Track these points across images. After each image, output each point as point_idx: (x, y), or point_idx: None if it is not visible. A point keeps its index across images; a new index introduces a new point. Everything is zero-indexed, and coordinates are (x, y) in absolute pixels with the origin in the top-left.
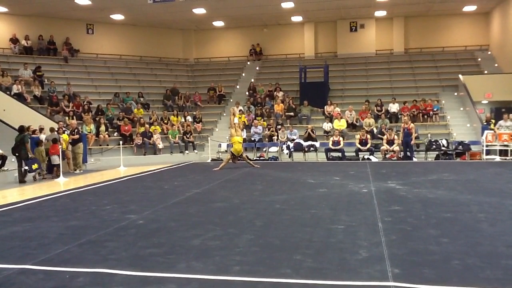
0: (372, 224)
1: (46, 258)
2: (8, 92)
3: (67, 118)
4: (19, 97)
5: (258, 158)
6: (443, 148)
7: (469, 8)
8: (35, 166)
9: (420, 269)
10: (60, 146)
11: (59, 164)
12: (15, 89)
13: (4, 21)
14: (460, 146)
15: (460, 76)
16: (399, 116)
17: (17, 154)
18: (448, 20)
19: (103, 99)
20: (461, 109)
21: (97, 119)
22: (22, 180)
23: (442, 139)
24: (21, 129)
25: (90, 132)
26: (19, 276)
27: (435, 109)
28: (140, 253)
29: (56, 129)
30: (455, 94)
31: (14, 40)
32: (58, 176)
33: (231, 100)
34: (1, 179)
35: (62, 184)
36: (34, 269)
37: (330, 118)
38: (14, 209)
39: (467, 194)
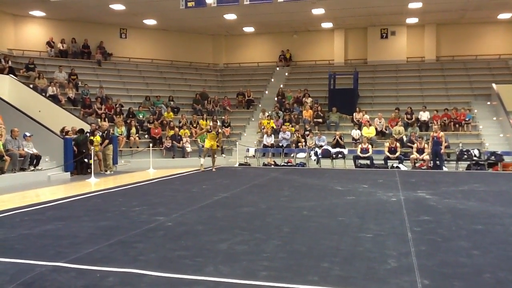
0: (401, 233)
1: (77, 257)
2: (43, 94)
3: (99, 120)
4: (54, 98)
5: (286, 164)
6: (474, 158)
7: (504, 16)
8: (91, 161)
9: (450, 281)
10: (92, 147)
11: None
12: (50, 91)
13: (42, 25)
14: (493, 157)
15: (493, 85)
16: (430, 125)
17: (84, 151)
18: (481, 27)
19: (134, 102)
20: (494, 118)
21: (128, 121)
22: (81, 172)
23: (474, 149)
24: (83, 131)
25: (121, 134)
26: (52, 274)
27: (467, 118)
28: (168, 255)
29: (90, 130)
30: (488, 103)
31: (51, 44)
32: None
33: (260, 105)
34: (35, 179)
35: (93, 184)
36: (66, 267)
37: (359, 125)
38: (47, 208)
39: (499, 206)
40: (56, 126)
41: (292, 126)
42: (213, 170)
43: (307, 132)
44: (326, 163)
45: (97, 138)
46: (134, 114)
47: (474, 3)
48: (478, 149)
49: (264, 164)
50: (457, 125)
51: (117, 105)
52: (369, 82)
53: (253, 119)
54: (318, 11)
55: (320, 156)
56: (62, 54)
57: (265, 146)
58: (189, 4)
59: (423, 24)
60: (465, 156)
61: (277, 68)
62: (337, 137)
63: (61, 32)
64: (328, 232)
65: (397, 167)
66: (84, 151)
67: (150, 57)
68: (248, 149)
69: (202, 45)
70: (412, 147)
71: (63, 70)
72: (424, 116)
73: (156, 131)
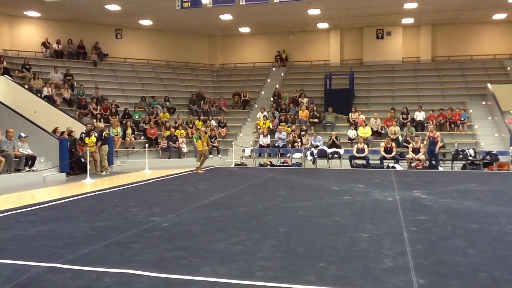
0: (397, 233)
1: (73, 258)
2: (39, 94)
3: (94, 120)
4: (49, 99)
5: (282, 164)
6: (470, 157)
7: (499, 16)
8: (83, 160)
9: (446, 280)
10: (87, 148)
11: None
12: (46, 91)
13: (37, 26)
14: (488, 156)
15: (489, 85)
16: (425, 125)
17: (73, 150)
18: (477, 28)
19: (130, 102)
20: (489, 118)
21: (124, 122)
22: (71, 173)
23: (469, 149)
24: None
25: (117, 135)
26: (47, 275)
27: (462, 118)
28: (164, 255)
29: (86, 131)
30: (483, 103)
31: (46, 44)
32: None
33: (256, 106)
34: (30, 179)
35: (89, 185)
36: (62, 268)
37: (355, 125)
38: (42, 209)
39: (494, 205)
40: (51, 127)
41: (288, 126)
42: (201, 171)
43: (303, 132)
44: (322, 163)
45: (93, 139)
46: (130, 115)
47: (469, 4)
48: (474, 149)
49: (260, 165)
50: (452, 125)
51: (113, 106)
52: (365, 82)
53: (249, 120)
54: (314, 12)
55: (316, 156)
56: (58, 55)
57: (261, 146)
58: (185, 4)
59: (419, 24)
60: (461, 156)
61: (273, 69)
62: (333, 137)
63: (56, 32)
64: (325, 232)
65: (393, 167)
66: (73, 150)
67: (146, 58)
68: (244, 150)
69: (198, 45)
70: (407, 147)
71: (58, 71)
72: (420, 116)
73: (152, 131)
